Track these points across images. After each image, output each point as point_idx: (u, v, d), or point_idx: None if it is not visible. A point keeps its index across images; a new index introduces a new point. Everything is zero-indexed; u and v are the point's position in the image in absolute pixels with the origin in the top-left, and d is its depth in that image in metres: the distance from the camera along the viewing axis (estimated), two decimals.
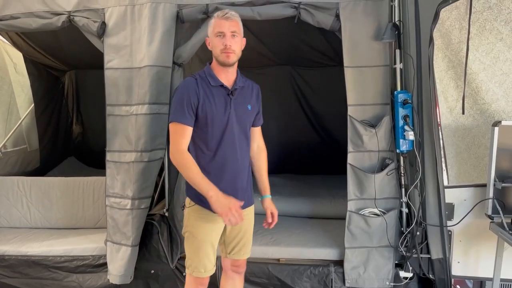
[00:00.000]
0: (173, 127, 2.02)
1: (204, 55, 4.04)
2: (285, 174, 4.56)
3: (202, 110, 2.03)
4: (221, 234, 2.25)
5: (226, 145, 2.09)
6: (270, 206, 2.28)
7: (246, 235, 2.31)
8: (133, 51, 2.78)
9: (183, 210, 2.29)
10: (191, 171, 1.96)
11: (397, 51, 2.66)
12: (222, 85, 2.09)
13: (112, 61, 2.81)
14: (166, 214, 2.88)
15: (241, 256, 2.32)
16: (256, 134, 2.34)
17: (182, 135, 2.01)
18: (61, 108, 4.79)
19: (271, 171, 4.61)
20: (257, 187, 2.35)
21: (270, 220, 2.27)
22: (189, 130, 2.03)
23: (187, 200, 2.21)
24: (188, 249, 2.20)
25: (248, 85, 2.23)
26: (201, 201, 2.04)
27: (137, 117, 2.75)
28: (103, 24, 2.80)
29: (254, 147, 2.33)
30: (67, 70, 4.83)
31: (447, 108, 2.83)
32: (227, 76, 2.12)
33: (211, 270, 2.21)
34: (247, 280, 2.80)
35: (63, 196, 3.42)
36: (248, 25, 3.86)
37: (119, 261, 2.78)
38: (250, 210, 2.30)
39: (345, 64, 2.69)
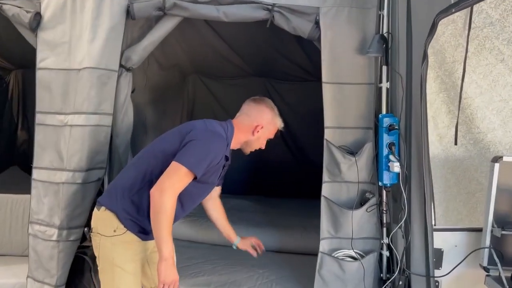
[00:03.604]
0: (184, 171, 1.78)
1: (165, 59, 3.60)
2: (255, 196, 4.14)
3: (210, 171, 1.89)
4: (143, 266, 2.02)
5: (194, 201, 2.02)
6: (247, 243, 2.36)
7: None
8: (72, 49, 2.34)
9: (89, 236, 1.96)
10: (167, 222, 1.74)
11: (384, 68, 2.31)
12: (227, 156, 1.98)
13: (46, 60, 2.37)
14: None
15: None
16: (216, 193, 2.28)
17: (185, 183, 1.81)
18: (4, 111, 4.25)
19: (241, 193, 4.22)
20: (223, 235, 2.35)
21: (255, 254, 2.37)
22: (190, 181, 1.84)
23: (115, 225, 1.86)
24: (110, 285, 1.89)
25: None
26: (137, 231, 1.87)
27: (72, 128, 2.28)
28: (38, 15, 2.35)
29: (210, 203, 2.28)
30: (12, 69, 4.30)
31: (437, 136, 2.48)
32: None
33: None
34: None
35: None
36: (219, 30, 3.47)
37: None
38: None
39: (323, 79, 2.32)
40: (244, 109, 2.09)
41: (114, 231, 1.86)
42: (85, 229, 2.03)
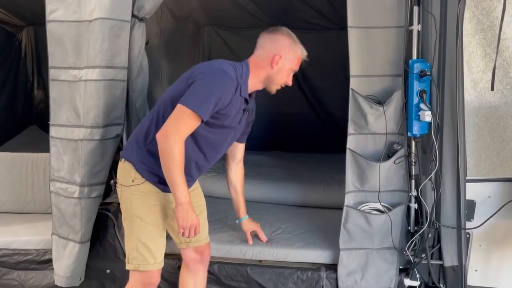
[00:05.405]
0: (188, 113, 1.70)
1: (178, 8, 3.44)
2: (273, 152, 4.07)
3: (223, 114, 1.80)
4: (172, 220, 1.97)
5: (213, 148, 1.92)
6: (251, 225, 2.34)
7: (203, 216, 2.12)
8: (81, 0, 2.20)
9: (115, 186, 1.96)
10: (177, 166, 1.69)
11: (415, 8, 2.13)
12: (246, 99, 1.88)
13: (56, 12, 2.25)
14: None
15: (204, 241, 2.12)
16: (240, 151, 2.20)
17: (191, 126, 1.73)
18: (19, 70, 4.18)
19: (259, 148, 4.16)
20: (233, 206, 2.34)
21: (251, 242, 2.34)
22: (198, 125, 1.76)
23: (133, 175, 1.86)
24: (132, 237, 1.89)
25: (253, 105, 2.05)
26: (157, 181, 1.84)
27: (87, 84, 2.21)
28: None
29: (233, 165, 2.22)
30: (24, 26, 4.19)
31: (471, 82, 2.31)
32: (251, 92, 1.93)
33: (161, 262, 1.94)
34: (221, 284, 2.36)
35: (9, 175, 2.90)
36: None
37: (66, 259, 2.30)
38: (197, 184, 2.13)
39: (348, 24, 2.15)
40: (259, 42, 1.92)
41: (132, 181, 1.85)
42: (112, 181, 2.02)
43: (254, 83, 1.89)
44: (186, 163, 1.77)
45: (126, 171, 1.87)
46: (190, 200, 1.74)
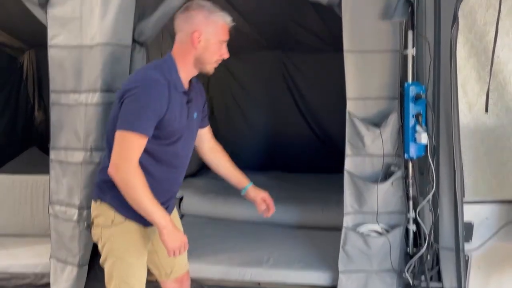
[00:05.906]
0: (128, 136, 1.61)
1: None
2: (271, 172, 4.07)
3: (167, 120, 1.68)
4: (151, 254, 1.94)
5: (177, 156, 1.82)
6: (258, 192, 2.01)
7: None
8: (83, 25, 2.26)
9: (88, 229, 1.89)
10: (142, 194, 1.61)
11: (410, 33, 2.18)
12: (185, 92, 1.77)
13: (57, 37, 2.30)
14: None
15: (183, 270, 2.06)
16: (207, 135, 2.05)
17: (138, 148, 1.64)
18: (20, 92, 4.23)
19: (257, 168, 4.16)
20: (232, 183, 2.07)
21: (264, 207, 2.02)
22: (145, 143, 1.66)
23: (112, 216, 1.78)
24: (114, 277, 1.81)
25: (198, 88, 1.91)
26: (136, 216, 1.72)
27: (87, 107, 2.24)
28: None
29: (206, 150, 2.04)
30: (26, 49, 4.26)
31: (466, 104, 2.35)
32: (189, 80, 1.81)
33: None
34: None
35: (8, 198, 2.90)
36: (233, 2, 3.33)
37: (64, 283, 2.29)
38: (175, 212, 2.06)
39: (345, 48, 2.20)
40: (175, 27, 1.75)
41: (112, 221, 1.78)
42: (85, 223, 2.01)
43: (187, 72, 1.75)
44: (159, 184, 1.74)
45: (104, 212, 1.79)
46: (170, 219, 1.67)
